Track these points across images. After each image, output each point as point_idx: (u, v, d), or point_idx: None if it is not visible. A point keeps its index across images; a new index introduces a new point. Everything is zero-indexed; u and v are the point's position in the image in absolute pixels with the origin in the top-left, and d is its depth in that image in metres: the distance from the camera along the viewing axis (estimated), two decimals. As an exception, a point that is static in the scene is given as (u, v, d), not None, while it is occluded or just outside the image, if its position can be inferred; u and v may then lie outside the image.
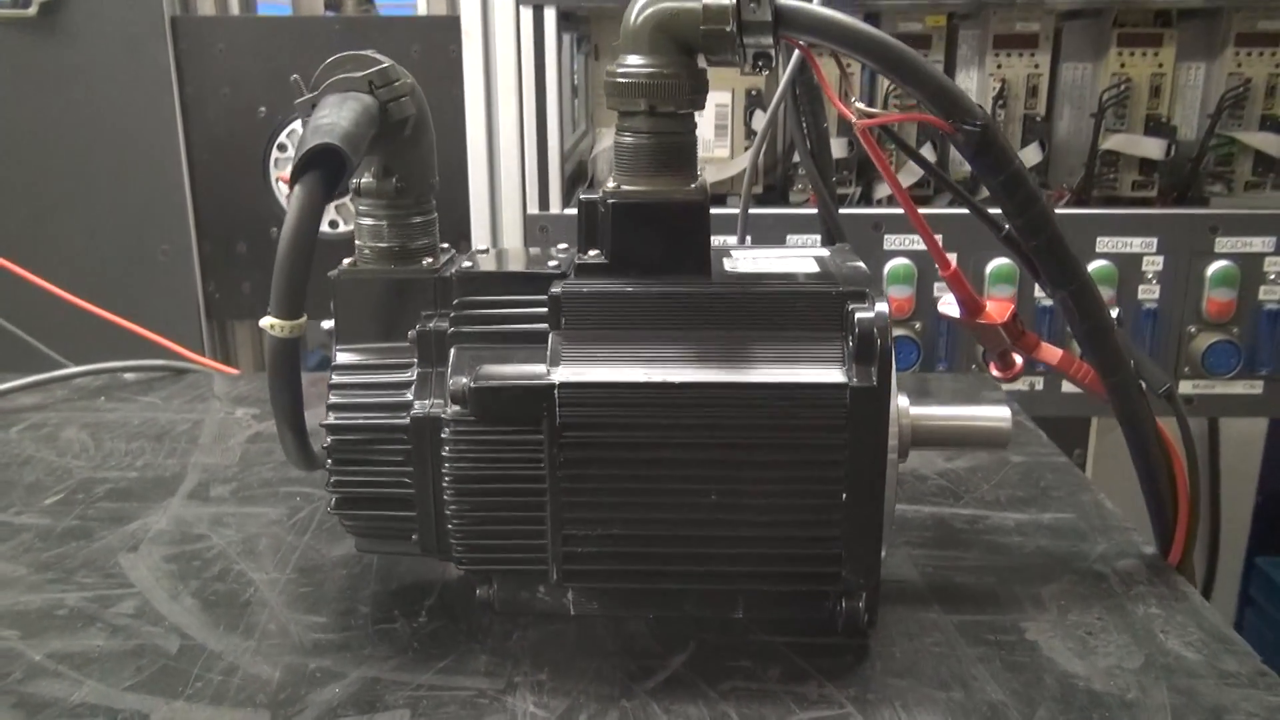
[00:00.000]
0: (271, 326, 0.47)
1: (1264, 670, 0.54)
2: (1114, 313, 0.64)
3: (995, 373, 0.68)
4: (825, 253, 0.62)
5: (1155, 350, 1.27)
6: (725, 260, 0.60)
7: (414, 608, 0.60)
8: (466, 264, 0.58)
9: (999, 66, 1.31)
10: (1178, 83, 1.31)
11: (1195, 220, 1.25)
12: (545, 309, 0.55)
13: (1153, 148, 1.28)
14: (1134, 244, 1.25)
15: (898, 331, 1.26)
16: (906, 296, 1.26)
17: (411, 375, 0.56)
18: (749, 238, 1.22)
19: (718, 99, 1.32)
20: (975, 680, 0.53)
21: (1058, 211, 1.29)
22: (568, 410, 0.52)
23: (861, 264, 0.59)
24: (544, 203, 1.26)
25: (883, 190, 1.33)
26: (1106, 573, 0.63)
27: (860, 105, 0.56)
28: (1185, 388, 1.29)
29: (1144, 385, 0.61)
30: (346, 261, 0.58)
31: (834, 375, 0.52)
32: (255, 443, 0.83)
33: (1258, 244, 1.25)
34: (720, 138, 1.33)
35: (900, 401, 0.59)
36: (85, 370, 0.93)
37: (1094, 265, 1.25)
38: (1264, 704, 0.51)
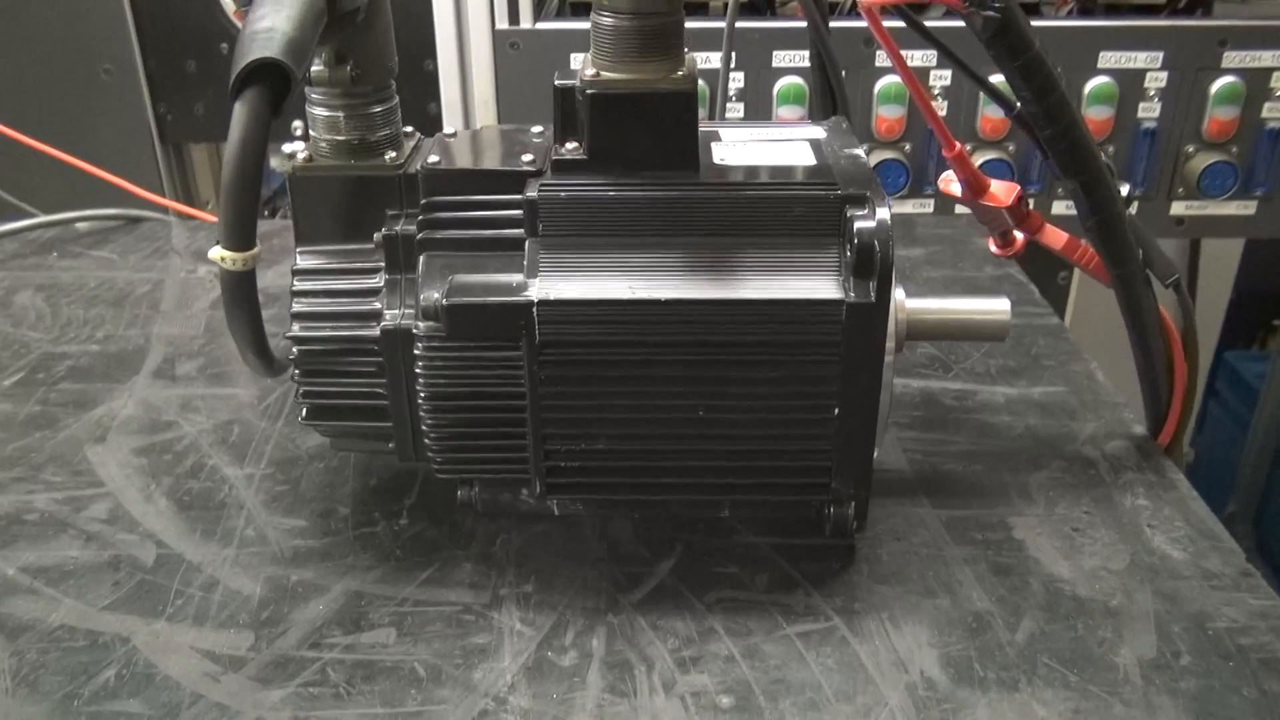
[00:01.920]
0: (223, 259, 0.43)
1: (1248, 570, 0.54)
2: (1124, 189, 0.60)
3: (994, 248, 0.64)
4: (821, 133, 0.57)
5: (1151, 171, 1.23)
6: (714, 146, 0.55)
7: (394, 508, 0.59)
8: (433, 158, 0.53)
9: None
10: (1199, -126, 1.21)
11: (1204, 33, 1.18)
12: (519, 211, 0.51)
13: (1166, -49, 1.19)
14: (1138, 59, 1.18)
15: (886, 154, 1.21)
16: (898, 117, 1.20)
17: (379, 281, 0.53)
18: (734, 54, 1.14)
19: (700, -106, 1.20)
20: (961, 586, 0.53)
21: (1060, 23, 1.21)
22: (547, 328, 0.49)
23: (860, 152, 0.54)
24: (514, 16, 1.17)
25: (876, -2, 1.24)
26: (1095, 457, 0.62)
27: (866, -18, 0.50)
28: (1178, 209, 1.25)
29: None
30: (301, 155, 0.53)
31: (830, 290, 0.49)
32: (219, 308, 0.79)
33: (1267, 58, 1.18)
34: (703, -61, 1.22)
35: (897, 294, 0.56)
36: (34, 224, 0.87)
37: (1094, 82, 1.18)
38: (1247, 608, 0.51)
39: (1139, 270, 0.57)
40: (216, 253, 0.43)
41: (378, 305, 0.52)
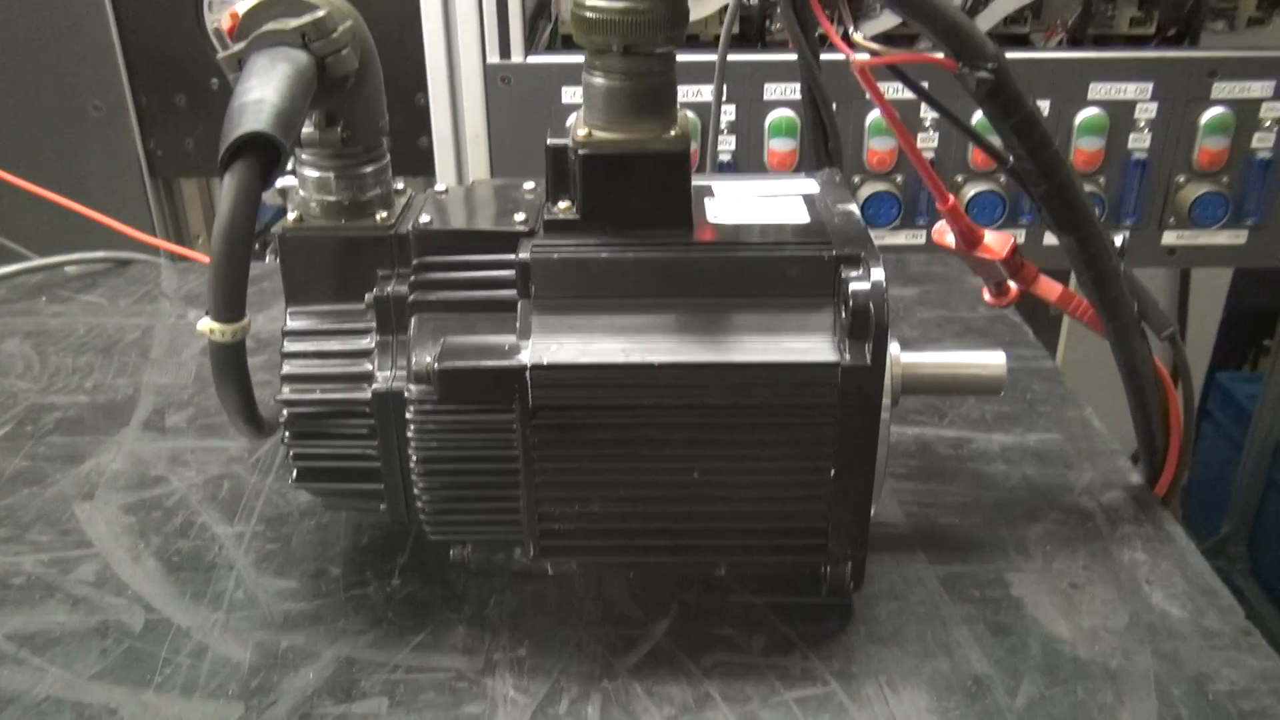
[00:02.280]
0: (211, 331, 0.43)
1: (1247, 628, 0.53)
2: (1118, 240, 0.60)
3: (989, 298, 0.64)
4: (815, 187, 0.57)
5: (1142, 201, 1.23)
6: (707, 203, 0.54)
7: (386, 567, 0.58)
8: (425, 218, 0.52)
9: (996, -109, 1.19)
10: (1187, -94, 1.21)
11: (1193, 64, 1.18)
12: (512, 272, 0.50)
13: (1155, -17, 1.20)
14: (1128, 90, 1.19)
15: (878, 186, 1.21)
16: (889, 149, 1.20)
17: (370, 342, 0.52)
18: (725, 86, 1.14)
19: (691, -72, 1.20)
20: (960, 647, 0.52)
21: (1050, 54, 1.22)
22: (540, 392, 0.48)
23: (854, 208, 0.54)
24: (505, 50, 1.17)
25: (868, 29, 1.24)
26: (1092, 509, 0.62)
27: (859, 38, 0.50)
28: (1169, 238, 1.26)
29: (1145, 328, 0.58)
30: (291, 215, 0.52)
31: (825, 352, 0.48)
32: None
33: (1256, 89, 1.19)
34: (693, -29, 1.22)
35: (891, 348, 0.56)
36: (22, 269, 0.87)
37: (1085, 113, 1.18)
38: (1247, 670, 0.51)
39: (1134, 324, 0.57)
40: (205, 324, 0.43)
41: (369, 367, 0.52)
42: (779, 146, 1.19)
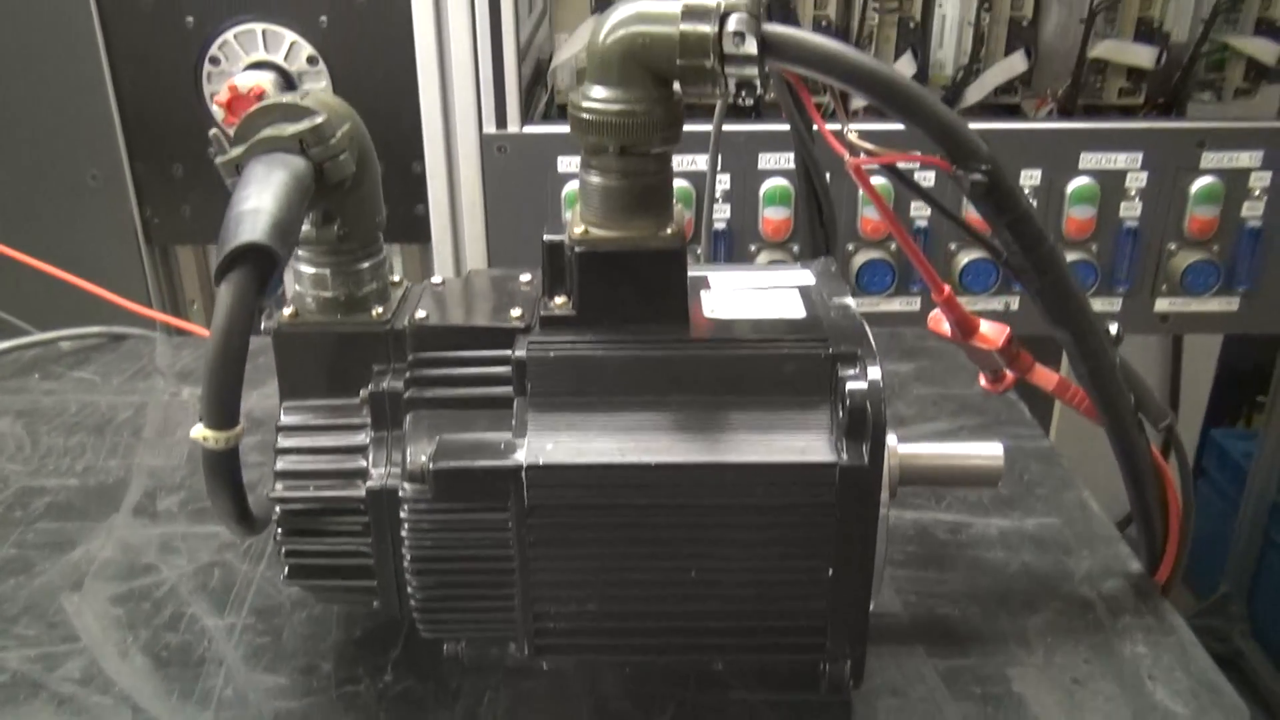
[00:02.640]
0: (204, 439, 0.42)
1: (1252, 727, 0.53)
2: (1113, 329, 0.60)
3: (984, 384, 0.64)
4: (810, 279, 0.57)
5: (1134, 269, 1.23)
6: (703, 296, 0.54)
7: (379, 662, 0.57)
8: (421, 313, 0.52)
9: (985, -35, 1.21)
10: (1172, -19, 1.23)
11: (1182, 134, 1.19)
12: (508, 368, 0.50)
13: (1143, 55, 1.21)
14: (1119, 160, 1.20)
15: (872, 254, 1.21)
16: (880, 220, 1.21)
17: (364, 438, 0.52)
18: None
19: (685, 1, 1.22)
20: (961, 747, 0.52)
21: (1041, 125, 1.23)
22: (535, 492, 0.48)
23: (850, 302, 0.54)
24: (501, 120, 1.18)
25: (861, 100, 1.25)
26: (1093, 598, 0.61)
27: (854, 138, 0.50)
28: (1162, 305, 1.26)
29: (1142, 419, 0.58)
30: (287, 311, 0.52)
31: (822, 452, 0.48)
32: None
33: (1244, 159, 1.20)
34: None
35: (889, 439, 0.56)
36: (15, 345, 0.86)
37: (1076, 182, 1.19)
38: (1252, 771, 0.50)
39: (1131, 416, 0.57)
40: (198, 431, 0.42)
41: (363, 463, 0.51)
42: (773, 215, 1.20)
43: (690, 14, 0.46)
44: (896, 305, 1.25)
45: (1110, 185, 1.20)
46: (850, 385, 0.47)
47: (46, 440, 0.77)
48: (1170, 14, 1.24)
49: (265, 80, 1.13)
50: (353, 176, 0.47)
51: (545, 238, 0.52)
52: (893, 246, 1.23)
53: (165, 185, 1.22)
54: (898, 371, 0.86)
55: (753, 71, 0.47)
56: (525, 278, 0.56)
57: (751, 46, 0.46)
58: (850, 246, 1.22)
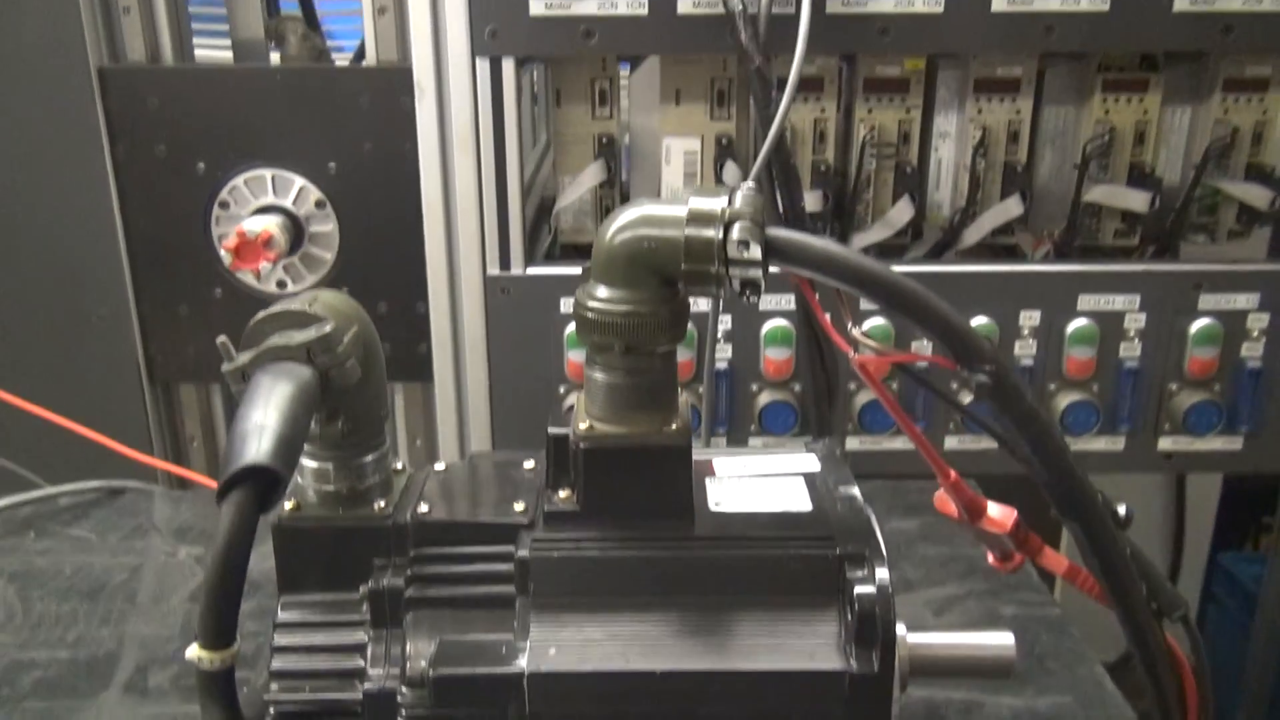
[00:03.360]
0: (200, 659, 0.41)
1: None
2: (1121, 509, 0.59)
3: (993, 562, 0.63)
4: (815, 464, 0.56)
5: (1136, 409, 1.23)
6: (708, 485, 0.54)
7: None
8: (423, 506, 0.52)
9: (979, 112, 1.24)
10: (1163, 128, 1.26)
11: (1178, 277, 1.21)
12: (510, 566, 0.49)
13: (1136, 200, 1.23)
14: (1116, 301, 1.21)
15: (872, 394, 1.21)
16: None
17: (363, 636, 0.51)
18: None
19: (686, 146, 1.24)
20: None
21: (1039, 267, 1.24)
22: (537, 701, 0.47)
23: (856, 492, 0.54)
24: (505, 262, 1.19)
25: (858, 241, 1.27)
26: (1110, 790, 0.59)
27: (859, 334, 0.50)
28: (1165, 444, 1.26)
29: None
30: (288, 504, 0.51)
31: (831, 659, 0.47)
32: (197, 600, 0.76)
33: (1241, 300, 1.21)
34: (689, 186, 1.25)
35: (898, 630, 0.55)
36: (11, 503, 0.85)
37: (1075, 323, 1.20)
38: None
39: (1143, 606, 0.56)
40: (193, 651, 0.41)
41: (361, 663, 0.50)
42: (775, 355, 1.20)
43: (695, 219, 0.47)
44: (899, 444, 1.25)
45: (1109, 326, 1.21)
46: (859, 589, 0.47)
47: (39, 607, 0.75)
48: (1162, 159, 1.27)
49: (272, 224, 1.15)
50: (359, 379, 0.47)
51: (550, 430, 0.52)
52: (894, 385, 1.23)
53: (170, 324, 1.23)
54: (902, 529, 0.85)
55: (757, 274, 0.47)
56: (529, 464, 0.56)
57: (756, 253, 0.46)
58: (852, 386, 1.22)
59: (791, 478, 0.55)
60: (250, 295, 1.21)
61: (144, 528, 0.86)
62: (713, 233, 0.46)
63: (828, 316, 0.52)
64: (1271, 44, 1.13)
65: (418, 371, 1.24)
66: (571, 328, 1.20)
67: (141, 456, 0.97)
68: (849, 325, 0.51)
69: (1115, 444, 1.25)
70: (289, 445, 0.41)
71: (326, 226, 1.20)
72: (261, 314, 0.46)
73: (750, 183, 0.48)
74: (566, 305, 1.20)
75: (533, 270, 1.20)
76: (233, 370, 0.45)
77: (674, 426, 0.50)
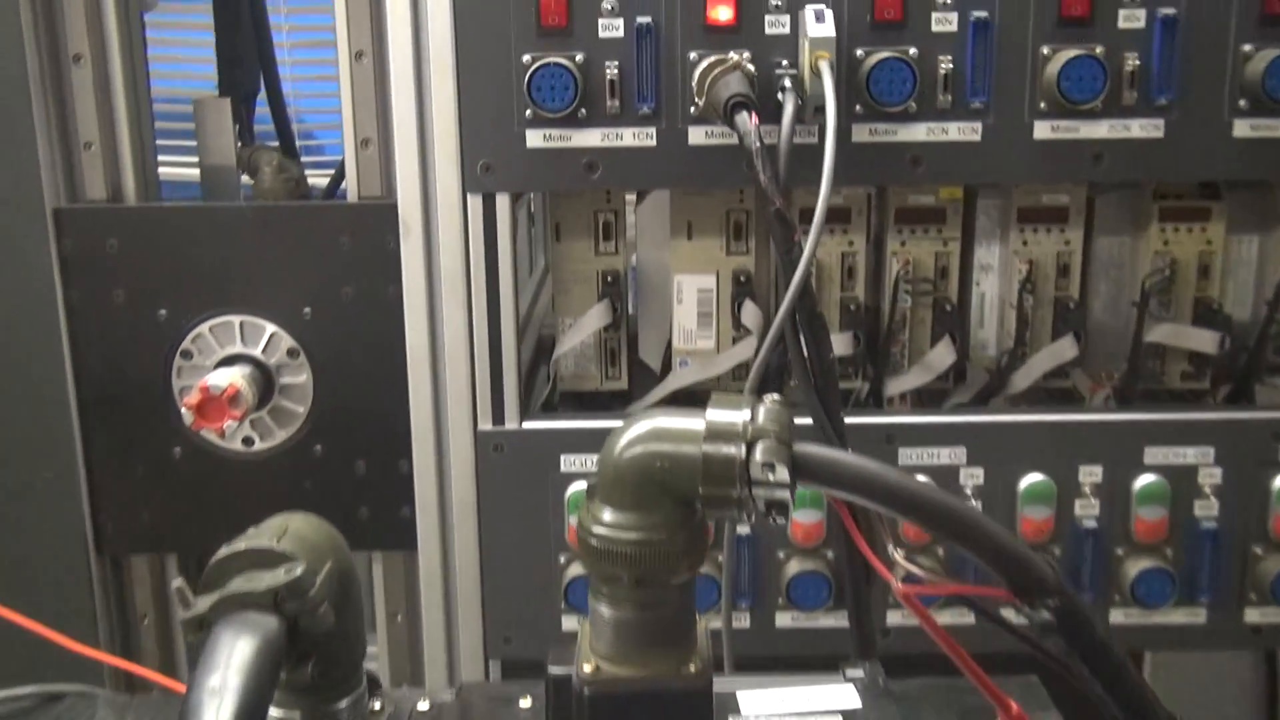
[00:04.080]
0: None
1: None
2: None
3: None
4: (854, 699, 0.55)
5: (1217, 576, 1.21)
6: (732, 726, 0.53)
7: None
8: (403, 760, 0.50)
9: (1025, 243, 1.25)
10: (1229, 259, 1.26)
11: (1257, 425, 1.20)
12: (505, 835, 0.48)
13: (1204, 340, 1.23)
14: (1188, 454, 1.19)
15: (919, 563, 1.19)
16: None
17: None
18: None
19: (700, 283, 1.26)
20: None
21: (1099, 416, 1.23)
22: None
23: (904, 734, 0.52)
24: (498, 415, 1.19)
25: (894, 387, 1.27)
26: None
27: (902, 560, 0.50)
28: (1252, 616, 1.23)
29: None
30: (250, 757, 0.50)
31: None
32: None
33: (1331, 450, 1.20)
34: (704, 328, 1.26)
35: None
36: (-64, 715, 0.84)
37: (1142, 480, 1.19)
38: None
39: None
40: None
41: None
42: (804, 519, 1.19)
43: (714, 435, 0.47)
44: (946, 618, 1.22)
45: (1182, 482, 1.19)
46: None
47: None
48: (1230, 293, 1.27)
49: (239, 377, 1.15)
50: (334, 624, 0.47)
51: (550, 671, 0.50)
52: (939, 552, 1.21)
53: (122, 488, 1.22)
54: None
55: (785, 496, 0.47)
56: (525, 703, 0.54)
57: (784, 475, 0.46)
58: (900, 553, 1.21)
59: (829, 717, 0.53)
60: (213, 455, 1.20)
61: (84, 743, 0.83)
62: (734, 450, 0.46)
63: (863, 536, 0.52)
64: (1344, 168, 1.14)
65: (399, 539, 1.23)
66: (575, 488, 1.19)
67: (86, 650, 0.95)
68: (889, 546, 0.50)
69: (1195, 616, 1.22)
70: (249, 711, 0.40)
71: (299, 378, 1.21)
72: (224, 550, 0.45)
73: (775, 396, 0.47)
74: (567, 463, 1.19)
75: (529, 424, 1.19)
76: (189, 619, 0.44)
77: (693, 668, 0.49)
